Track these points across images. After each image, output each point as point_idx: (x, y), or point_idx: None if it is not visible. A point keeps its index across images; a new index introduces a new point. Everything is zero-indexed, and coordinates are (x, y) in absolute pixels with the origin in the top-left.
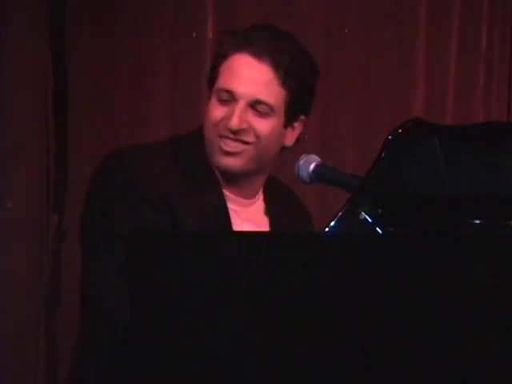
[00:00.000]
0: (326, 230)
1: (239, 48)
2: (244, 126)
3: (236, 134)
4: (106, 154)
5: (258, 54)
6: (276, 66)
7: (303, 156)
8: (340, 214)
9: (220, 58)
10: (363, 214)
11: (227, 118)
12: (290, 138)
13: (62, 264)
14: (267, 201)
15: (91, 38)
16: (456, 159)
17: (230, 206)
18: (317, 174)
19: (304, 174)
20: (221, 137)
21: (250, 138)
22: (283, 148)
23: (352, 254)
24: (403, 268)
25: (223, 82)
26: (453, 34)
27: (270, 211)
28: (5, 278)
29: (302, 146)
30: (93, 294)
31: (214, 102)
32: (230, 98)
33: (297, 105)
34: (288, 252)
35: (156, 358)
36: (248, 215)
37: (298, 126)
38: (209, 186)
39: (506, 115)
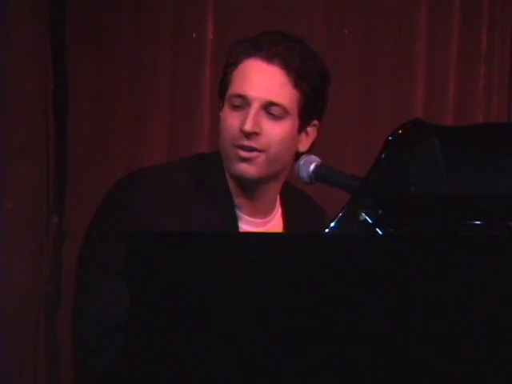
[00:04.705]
0: (326, 230)
1: (249, 54)
2: (257, 129)
3: (249, 138)
4: (116, 184)
5: (268, 58)
6: (287, 68)
7: (303, 156)
8: (340, 214)
9: (230, 66)
10: (363, 214)
11: (242, 124)
12: (304, 144)
13: (62, 264)
14: (287, 215)
15: (91, 37)
16: (456, 159)
17: (246, 228)
18: (317, 175)
19: (304, 174)
20: (235, 146)
21: (262, 146)
22: (297, 154)
23: (352, 255)
24: (403, 269)
25: (235, 87)
26: (453, 34)
27: (289, 227)
28: (5, 278)
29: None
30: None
31: (226, 109)
32: (242, 104)
33: (310, 108)
34: (288, 252)
35: (156, 358)
36: None
37: (311, 132)
38: (224, 209)
39: (506, 116)
